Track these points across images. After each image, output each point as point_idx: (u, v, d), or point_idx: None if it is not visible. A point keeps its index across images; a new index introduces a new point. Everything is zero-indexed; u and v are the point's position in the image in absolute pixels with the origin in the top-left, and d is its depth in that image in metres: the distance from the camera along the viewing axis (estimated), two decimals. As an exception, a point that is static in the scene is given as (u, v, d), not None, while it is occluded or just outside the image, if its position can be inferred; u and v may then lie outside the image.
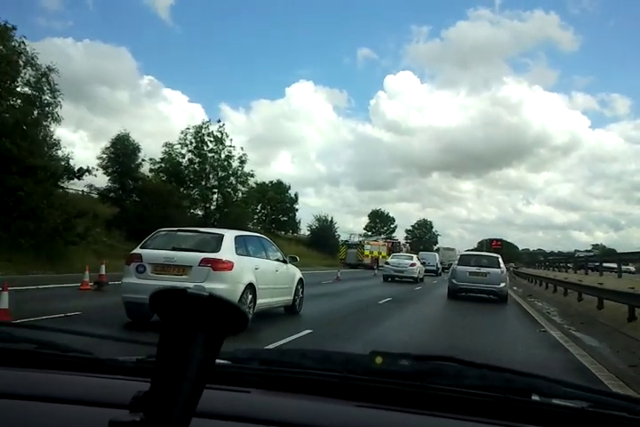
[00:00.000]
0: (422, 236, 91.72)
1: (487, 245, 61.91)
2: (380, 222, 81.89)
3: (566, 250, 71.75)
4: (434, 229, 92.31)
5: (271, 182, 46.85)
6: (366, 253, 40.14)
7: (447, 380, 0.97)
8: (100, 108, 67.33)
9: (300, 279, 8.82)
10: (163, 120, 66.84)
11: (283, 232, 44.84)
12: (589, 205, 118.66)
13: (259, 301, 7.24)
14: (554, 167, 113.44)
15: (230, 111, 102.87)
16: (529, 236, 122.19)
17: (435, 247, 78.59)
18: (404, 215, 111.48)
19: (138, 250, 6.93)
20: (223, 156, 29.28)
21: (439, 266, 33.84)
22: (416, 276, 23.06)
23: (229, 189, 29.43)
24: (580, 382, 1.11)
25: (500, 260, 15.03)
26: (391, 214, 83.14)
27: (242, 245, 7.22)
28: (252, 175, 30.24)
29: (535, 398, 0.95)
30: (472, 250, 51.05)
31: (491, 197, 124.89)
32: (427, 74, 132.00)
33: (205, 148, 28.94)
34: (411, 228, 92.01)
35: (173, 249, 6.85)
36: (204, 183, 28.87)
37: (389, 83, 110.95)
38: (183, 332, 0.58)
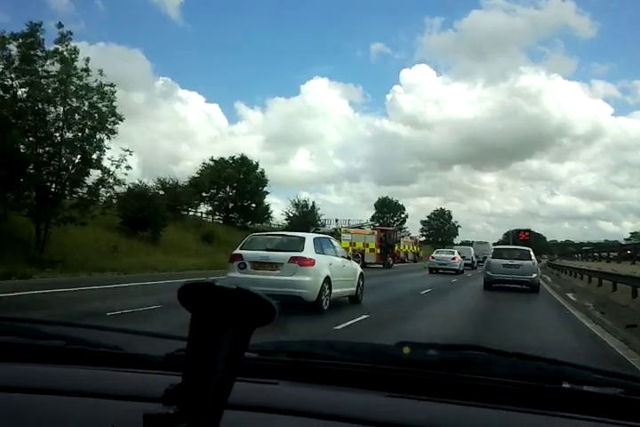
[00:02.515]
0: (440, 227, 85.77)
1: (514, 236, 61.60)
2: (388, 212, 74.95)
3: (595, 240, 71.56)
4: (453, 220, 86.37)
5: (232, 158, 39.54)
6: (344, 244, 28.30)
7: (476, 369, 0.99)
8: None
9: (361, 273, 11.12)
10: (179, 121, 68.90)
11: (250, 222, 38.37)
12: (615, 194, 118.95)
13: (333, 291, 9.10)
14: (577, 157, 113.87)
15: (246, 110, 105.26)
16: (554, 227, 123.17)
17: (455, 239, 77.90)
18: (425, 210, 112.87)
19: (238, 251, 8.95)
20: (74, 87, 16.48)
21: (474, 259, 36.39)
22: (457, 268, 27.60)
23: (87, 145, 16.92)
24: (611, 369, 1.14)
25: (532, 252, 17.10)
26: (400, 202, 75.78)
27: (318, 245, 9.28)
28: (120, 118, 17.45)
29: (566, 385, 0.97)
30: (499, 242, 52.17)
31: (514, 189, 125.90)
32: (442, 66, 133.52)
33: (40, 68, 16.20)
34: (427, 218, 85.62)
35: (267, 250, 8.85)
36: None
37: (405, 76, 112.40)
38: (212, 325, 0.60)
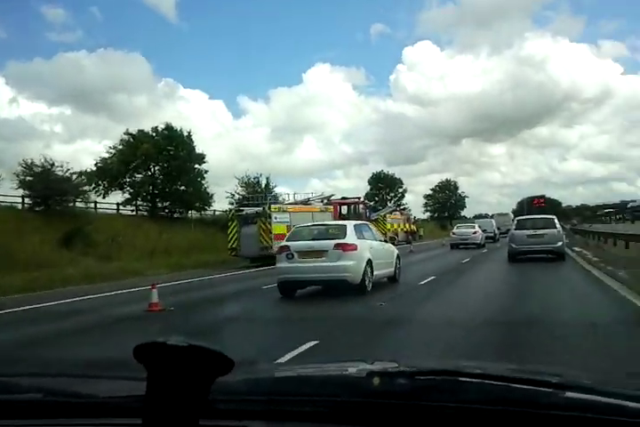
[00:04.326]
0: (446, 200, 77.53)
1: (528, 204, 61.41)
2: (384, 188, 67.99)
3: (610, 202, 71.44)
4: (459, 191, 78.47)
5: (155, 129, 31.03)
6: (277, 229, 20.35)
7: (444, 395, 1.00)
8: (120, 115, 71.42)
9: (397, 255, 12.31)
10: (184, 120, 69.18)
11: (182, 211, 31.73)
12: (628, 154, 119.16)
13: (375, 272, 9.89)
14: (587, 120, 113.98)
15: (250, 103, 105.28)
16: (568, 192, 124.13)
17: (462, 213, 74.90)
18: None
19: (285, 242, 9.74)
20: None
21: (496, 232, 36.66)
22: (479, 242, 28.45)
23: None
24: (589, 383, 1.14)
25: (556, 220, 17.41)
26: (397, 175, 69.58)
27: (359, 231, 10.21)
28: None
29: (534, 409, 0.95)
30: (514, 212, 52.44)
31: (524, 158, 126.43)
32: (444, 40, 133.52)
33: None
34: (430, 191, 78.14)
35: (312, 239, 9.62)
36: None
37: (408, 55, 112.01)
38: (168, 381, 0.62)
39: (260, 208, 21.08)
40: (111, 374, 1.47)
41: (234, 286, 12.90)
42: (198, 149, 31.77)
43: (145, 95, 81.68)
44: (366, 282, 10.12)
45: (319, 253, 10.07)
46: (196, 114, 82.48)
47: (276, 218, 20.55)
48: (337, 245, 10.02)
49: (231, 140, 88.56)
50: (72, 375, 1.39)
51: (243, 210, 21.78)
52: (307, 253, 10.11)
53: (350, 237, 10.23)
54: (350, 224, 10.96)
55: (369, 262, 10.31)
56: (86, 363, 2.35)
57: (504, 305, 8.59)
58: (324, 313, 8.41)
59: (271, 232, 20.13)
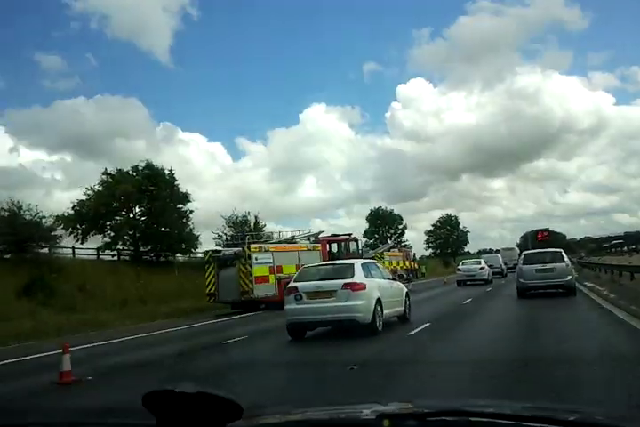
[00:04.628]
0: (448, 236, 76.44)
1: (532, 237, 61.85)
2: (382, 225, 67.02)
3: (614, 234, 71.42)
4: (462, 226, 78.19)
5: (135, 168, 30.00)
6: (259, 271, 19.29)
7: None
8: (120, 160, 75.04)
9: (407, 292, 12.18)
10: (184, 163, 70.32)
11: (167, 255, 29.93)
12: (628, 185, 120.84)
13: (385, 311, 9.82)
14: (585, 152, 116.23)
15: (248, 144, 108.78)
16: (571, 225, 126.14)
17: (465, 249, 75.75)
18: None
19: (293, 283, 9.67)
20: None
21: (503, 267, 37.36)
22: (486, 278, 28.63)
23: None
24: (604, 420, 1.14)
25: (564, 253, 17.51)
26: (397, 212, 69.03)
27: (366, 270, 10.19)
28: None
29: None
30: (519, 247, 52.28)
31: (525, 192, 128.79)
32: (437, 77, 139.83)
33: None
34: (432, 227, 77.66)
35: (320, 279, 9.56)
36: None
37: (401, 92, 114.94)
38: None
39: (239, 248, 19.66)
40: (121, 421, 1.47)
41: (193, 340, 11.58)
42: (190, 189, 31.44)
43: (144, 139, 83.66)
44: (377, 322, 10.06)
45: (328, 294, 10.08)
46: (195, 157, 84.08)
47: (256, 259, 19.01)
48: (345, 285, 10.02)
49: (231, 182, 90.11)
50: (84, 424, 1.38)
51: (220, 251, 20.49)
52: (315, 294, 10.13)
53: (358, 277, 10.24)
54: (358, 263, 11.22)
55: (378, 301, 10.42)
56: (97, 411, 2.33)
57: (515, 367, 6.58)
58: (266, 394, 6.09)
59: (251, 275, 18.73)
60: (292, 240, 23.03)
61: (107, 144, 73.96)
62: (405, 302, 12.21)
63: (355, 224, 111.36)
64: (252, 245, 19.39)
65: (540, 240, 58.57)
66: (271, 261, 19.36)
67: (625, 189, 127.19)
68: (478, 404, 1.53)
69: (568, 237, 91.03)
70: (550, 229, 76.72)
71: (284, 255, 19.94)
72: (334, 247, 24.52)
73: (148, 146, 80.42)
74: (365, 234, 64.34)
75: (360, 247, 25.20)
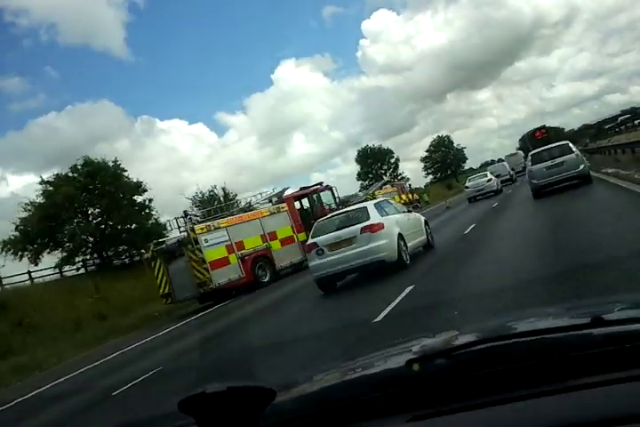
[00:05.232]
0: (444, 157, 74.33)
1: (530, 138, 61.59)
2: (374, 163, 64.40)
3: (611, 115, 70.51)
4: (455, 144, 76.79)
5: (74, 168, 27.87)
6: (213, 254, 16.60)
7: (485, 364, 1.08)
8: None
9: (425, 221, 12.93)
10: (171, 151, 69.51)
11: (135, 254, 27.65)
12: (612, 64, 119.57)
13: (408, 244, 9.71)
14: (562, 43, 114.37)
15: (229, 117, 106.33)
16: (566, 117, 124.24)
17: (465, 166, 75.79)
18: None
19: (311, 239, 9.53)
20: None
21: (512, 173, 39.17)
22: (495, 188, 29.38)
23: None
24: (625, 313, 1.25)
25: (571, 145, 17.75)
26: (385, 146, 67.56)
27: (380, 209, 9.97)
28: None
29: (574, 353, 1.03)
30: (520, 150, 51.89)
31: (513, 96, 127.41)
32: (398, 4, 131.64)
33: None
34: (426, 153, 76.14)
35: (337, 229, 9.36)
36: None
37: (367, 28, 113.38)
38: (219, 424, 0.77)
39: (183, 234, 17.12)
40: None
41: (126, 369, 9.79)
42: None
43: (126, 138, 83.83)
44: (404, 257, 10.13)
45: (348, 241, 10.14)
46: (181, 142, 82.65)
47: (206, 241, 16.32)
48: (364, 229, 10.05)
49: (222, 158, 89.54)
50: None
51: (163, 241, 18.02)
52: (336, 245, 10.15)
53: (374, 217, 10.25)
54: (370, 204, 11.72)
55: (400, 237, 10.53)
56: (135, 422, 2.46)
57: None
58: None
59: (204, 261, 16.14)
60: (248, 208, 20.52)
61: (91, 151, 73.72)
62: (426, 231, 12.71)
63: (354, 169, 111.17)
64: (197, 227, 16.57)
65: (539, 139, 58.70)
66: (227, 238, 16.81)
67: (611, 70, 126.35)
68: (502, 324, 1.63)
69: (566, 130, 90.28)
70: (547, 125, 75.95)
71: (242, 228, 17.41)
72: (305, 202, 21.44)
73: (131, 143, 79.96)
74: (359, 176, 63.91)
75: (337, 195, 21.97)
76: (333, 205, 20.92)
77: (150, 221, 26.99)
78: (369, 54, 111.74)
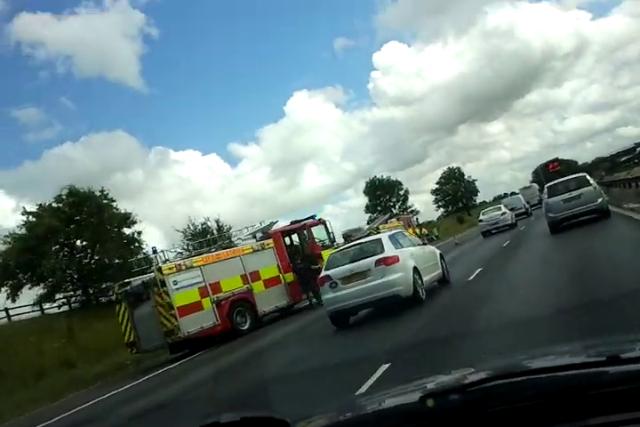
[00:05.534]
0: (456, 190, 72.72)
1: (543, 171, 61.22)
2: (382, 195, 62.58)
3: (625, 148, 70.39)
4: (467, 176, 75.51)
5: (59, 198, 26.99)
6: (183, 299, 14.36)
7: (499, 401, 1.06)
8: (122, 194, 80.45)
9: (441, 254, 12.09)
10: (184, 182, 70.32)
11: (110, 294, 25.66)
12: (624, 97, 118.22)
13: (424, 278, 9.46)
14: (573, 75, 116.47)
15: (242, 148, 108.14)
16: (578, 150, 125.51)
17: (476, 199, 76.09)
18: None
19: (325, 272, 9.33)
20: None
21: (527, 206, 38.98)
22: (510, 222, 29.05)
23: None
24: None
25: (588, 177, 17.73)
26: (393, 178, 66.19)
27: (395, 241, 9.84)
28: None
29: (589, 392, 1.00)
30: (532, 182, 51.60)
31: (525, 129, 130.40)
32: (408, 36, 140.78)
33: None
34: (437, 186, 75.13)
35: (351, 262, 9.15)
36: None
37: (378, 60, 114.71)
38: None
39: (149, 275, 15.44)
40: None
41: None
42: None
43: (139, 168, 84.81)
44: (420, 292, 9.91)
45: (362, 275, 10.01)
46: (194, 173, 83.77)
47: (175, 283, 14.23)
48: (378, 261, 9.92)
49: (235, 190, 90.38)
50: None
51: (129, 282, 15.63)
52: (350, 278, 10.09)
53: (389, 250, 10.15)
54: (385, 236, 11.84)
55: (415, 270, 10.39)
56: None
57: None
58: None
59: (172, 307, 14.10)
60: (229, 245, 18.11)
61: (105, 182, 74.47)
62: (442, 265, 12.77)
63: (364, 201, 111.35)
64: (164, 267, 14.49)
65: (551, 171, 58.16)
66: (201, 279, 14.74)
67: (623, 102, 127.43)
68: (519, 362, 1.61)
69: (580, 163, 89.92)
70: (559, 158, 75.73)
71: (219, 267, 15.30)
72: (295, 238, 19.00)
73: (145, 174, 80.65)
74: (367, 208, 62.43)
75: (330, 230, 19.34)
76: (327, 242, 18.75)
77: (139, 256, 24.00)
78: (380, 86, 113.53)
